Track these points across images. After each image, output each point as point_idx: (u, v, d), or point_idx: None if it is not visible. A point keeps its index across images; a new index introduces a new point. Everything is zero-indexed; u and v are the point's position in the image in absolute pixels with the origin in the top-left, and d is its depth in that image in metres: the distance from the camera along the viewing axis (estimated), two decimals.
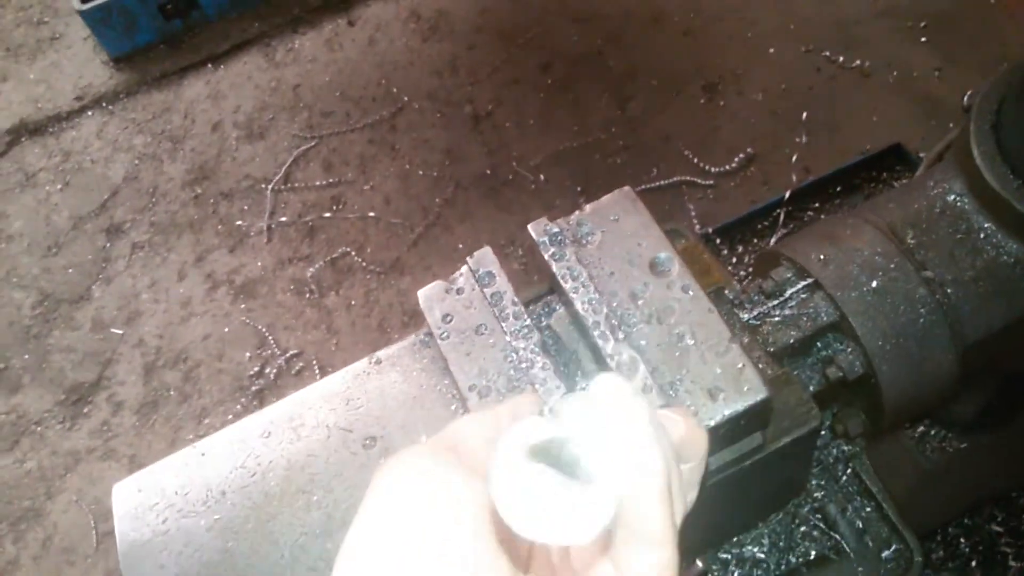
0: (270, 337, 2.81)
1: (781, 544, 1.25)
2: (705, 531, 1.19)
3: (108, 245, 3.11)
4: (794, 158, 2.82)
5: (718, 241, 2.57)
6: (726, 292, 1.24)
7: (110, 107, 3.47)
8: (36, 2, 3.83)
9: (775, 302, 1.26)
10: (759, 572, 1.24)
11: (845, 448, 1.31)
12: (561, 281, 1.05)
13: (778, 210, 2.54)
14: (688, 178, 2.88)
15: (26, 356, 2.92)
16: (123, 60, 3.56)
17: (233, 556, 0.99)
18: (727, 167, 2.87)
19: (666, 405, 0.88)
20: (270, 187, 3.12)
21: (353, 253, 2.93)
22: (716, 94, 3.07)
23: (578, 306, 1.02)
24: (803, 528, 1.26)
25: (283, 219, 3.06)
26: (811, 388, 1.24)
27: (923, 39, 3.04)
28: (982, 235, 1.28)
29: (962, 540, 1.94)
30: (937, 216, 1.31)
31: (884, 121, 2.86)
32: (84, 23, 3.45)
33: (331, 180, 3.11)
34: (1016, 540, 1.94)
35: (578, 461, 0.55)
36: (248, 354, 2.80)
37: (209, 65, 3.51)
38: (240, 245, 3.03)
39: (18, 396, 2.85)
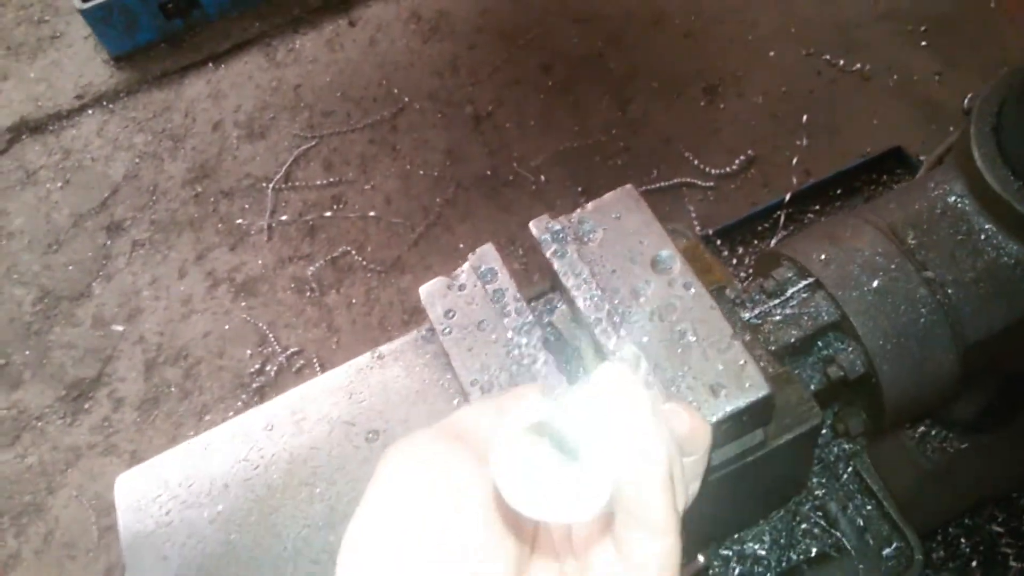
0: (271, 335, 2.81)
1: (782, 541, 1.26)
2: (706, 527, 1.20)
3: (109, 243, 3.12)
4: (794, 160, 2.82)
5: (718, 243, 2.57)
6: (727, 291, 1.25)
7: (111, 106, 3.47)
8: (37, 1, 3.83)
9: (776, 301, 1.27)
10: (760, 569, 1.24)
11: (846, 446, 1.31)
12: (563, 278, 1.05)
13: (778, 212, 2.54)
14: (688, 180, 2.88)
15: (27, 352, 2.93)
16: (124, 59, 3.56)
17: (236, 548, 1.00)
18: (727, 169, 2.88)
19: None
20: (271, 186, 3.12)
21: (354, 252, 2.94)
22: (717, 96, 3.07)
23: (580, 303, 1.03)
24: (804, 525, 1.27)
25: (284, 218, 3.06)
26: (812, 387, 1.24)
27: (923, 43, 3.04)
28: (983, 236, 1.29)
29: (962, 540, 1.94)
30: (938, 217, 1.32)
31: (884, 124, 2.87)
32: (85, 22, 3.45)
33: (332, 179, 3.11)
34: (1017, 541, 1.94)
35: (579, 444, 0.55)
36: (249, 352, 2.81)
37: (210, 64, 3.52)
38: (241, 243, 3.04)
39: (19, 392, 2.85)
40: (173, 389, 2.78)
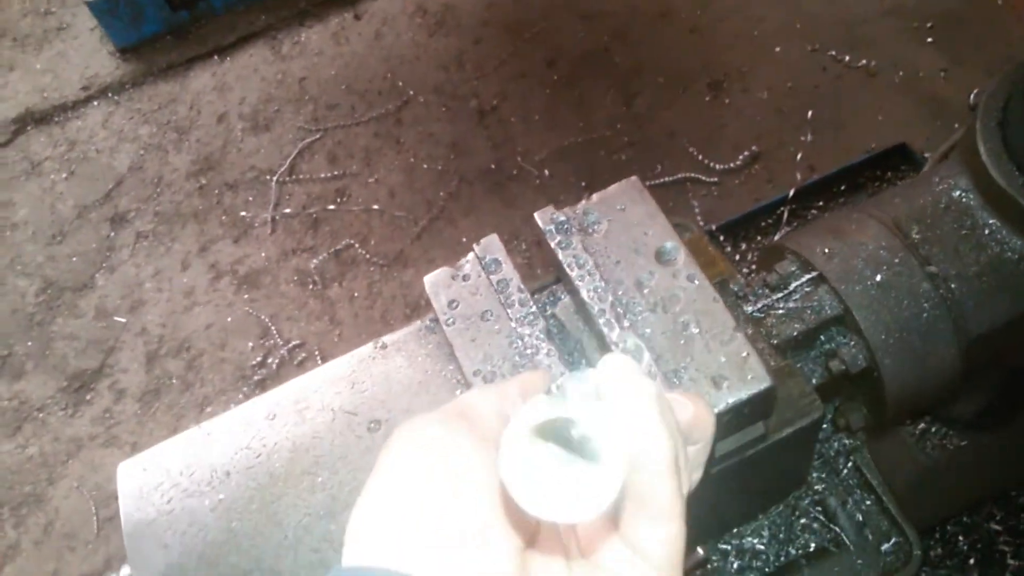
0: (273, 327, 2.81)
1: (781, 536, 1.26)
2: (706, 520, 1.20)
3: (112, 234, 3.12)
4: (799, 156, 2.82)
5: (722, 238, 2.57)
6: (731, 285, 1.25)
7: (116, 97, 3.47)
8: None
9: (779, 295, 1.27)
10: (759, 563, 1.24)
11: (846, 442, 1.31)
12: (567, 269, 1.05)
13: (782, 208, 2.54)
14: (693, 175, 2.88)
15: (29, 343, 2.93)
16: (129, 51, 3.56)
17: (237, 536, 1.00)
18: (732, 164, 2.88)
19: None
20: (275, 178, 3.13)
21: (357, 245, 2.94)
22: (722, 91, 3.07)
23: (584, 294, 1.03)
24: (803, 520, 1.27)
25: (287, 210, 3.06)
26: (814, 381, 1.24)
27: (929, 39, 3.04)
28: (987, 231, 1.29)
29: (960, 538, 1.94)
30: (942, 212, 1.32)
31: (889, 121, 2.86)
32: (91, 13, 3.46)
33: (336, 172, 3.11)
34: (1014, 538, 1.94)
35: (585, 439, 0.55)
36: (251, 344, 2.81)
37: (215, 57, 3.52)
38: (244, 236, 3.04)
39: (21, 382, 2.86)
40: (175, 381, 2.79)
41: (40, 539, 2.59)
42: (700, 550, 1.16)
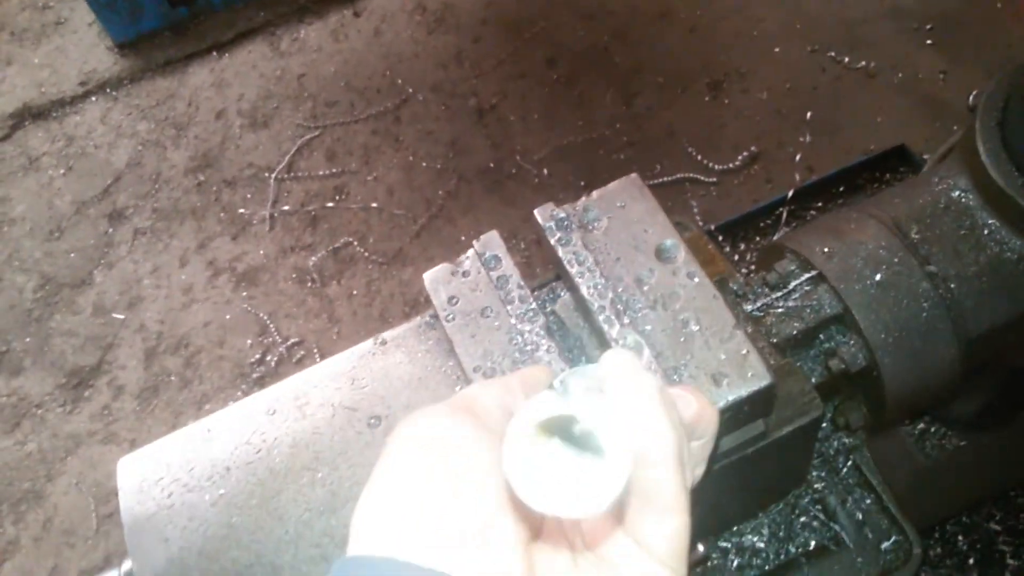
0: (271, 325, 2.81)
1: (781, 534, 1.26)
2: (706, 517, 1.20)
3: (110, 230, 3.12)
4: (798, 157, 2.82)
5: (720, 238, 2.57)
6: (730, 283, 1.25)
7: (114, 93, 3.47)
8: None
9: (779, 294, 1.27)
10: (758, 561, 1.24)
11: (846, 440, 1.31)
12: (567, 266, 1.05)
13: (781, 209, 2.54)
14: (692, 175, 2.88)
15: (27, 339, 2.93)
16: (128, 46, 3.55)
17: (237, 531, 1.00)
18: (731, 165, 2.88)
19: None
20: (273, 176, 3.12)
21: (355, 243, 2.94)
22: (721, 92, 3.07)
23: (583, 291, 1.03)
24: (803, 519, 1.27)
25: (286, 208, 3.06)
26: (813, 379, 1.24)
27: (929, 41, 3.04)
28: (986, 231, 1.29)
29: (960, 538, 1.95)
30: (941, 212, 1.32)
31: (888, 122, 2.87)
32: (89, 8, 3.45)
33: (334, 170, 3.11)
34: (1014, 538, 1.94)
35: (590, 435, 0.56)
36: (249, 341, 2.81)
37: (214, 53, 3.51)
38: (242, 233, 3.04)
39: (19, 379, 2.85)
40: (173, 378, 2.79)
41: (39, 535, 2.58)
42: (700, 547, 1.16)
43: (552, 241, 1.07)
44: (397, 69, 3.33)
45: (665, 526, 0.55)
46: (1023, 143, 1.25)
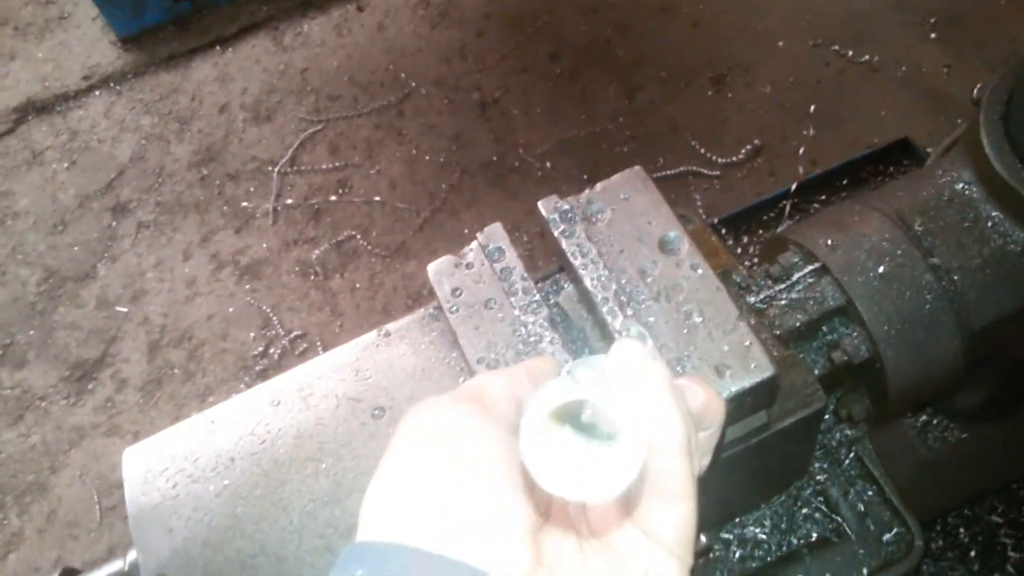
0: (274, 318, 2.82)
1: (783, 526, 1.26)
2: (709, 509, 1.20)
3: (114, 224, 3.12)
4: (801, 151, 2.82)
5: (723, 232, 2.57)
6: (733, 276, 1.25)
7: (118, 87, 3.47)
8: None
9: (782, 286, 1.27)
10: (760, 552, 1.25)
11: (848, 432, 1.31)
12: (571, 258, 1.05)
13: (784, 202, 2.54)
14: (695, 168, 2.88)
15: (31, 332, 2.94)
16: (131, 41, 3.56)
17: (242, 521, 1.00)
18: (734, 158, 2.88)
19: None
20: (276, 169, 3.13)
21: (358, 237, 2.94)
22: (724, 85, 3.07)
23: (587, 282, 1.03)
24: (805, 510, 1.27)
25: (289, 201, 3.07)
26: (816, 371, 1.24)
27: (932, 35, 3.03)
28: (990, 223, 1.29)
29: (962, 530, 1.95)
30: (945, 204, 1.32)
31: (892, 116, 2.86)
32: (93, 3, 3.46)
33: (337, 164, 3.11)
34: (1015, 531, 1.94)
35: (602, 421, 0.56)
36: (252, 334, 2.81)
37: (217, 47, 3.52)
38: (246, 226, 3.04)
39: (23, 371, 2.86)
40: (176, 371, 2.79)
41: (43, 527, 2.59)
42: (703, 538, 1.17)
43: (556, 233, 1.08)
44: (400, 63, 3.33)
45: (672, 514, 0.56)
46: None
